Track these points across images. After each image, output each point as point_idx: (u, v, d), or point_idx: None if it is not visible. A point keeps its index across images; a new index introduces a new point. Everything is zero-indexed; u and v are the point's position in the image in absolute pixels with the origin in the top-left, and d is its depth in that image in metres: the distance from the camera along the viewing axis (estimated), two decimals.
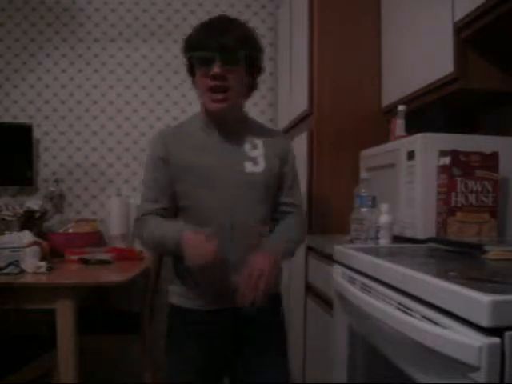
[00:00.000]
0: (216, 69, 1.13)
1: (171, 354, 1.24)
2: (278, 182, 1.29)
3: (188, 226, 1.13)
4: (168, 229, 1.15)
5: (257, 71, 1.25)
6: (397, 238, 1.37)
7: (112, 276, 1.86)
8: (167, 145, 1.22)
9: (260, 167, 1.23)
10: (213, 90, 1.15)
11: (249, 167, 1.22)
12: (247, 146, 1.25)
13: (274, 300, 1.32)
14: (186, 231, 1.10)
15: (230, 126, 1.25)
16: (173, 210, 1.23)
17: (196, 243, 1.06)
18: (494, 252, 0.95)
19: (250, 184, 1.21)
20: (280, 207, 1.32)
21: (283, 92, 2.46)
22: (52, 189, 2.51)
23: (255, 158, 1.24)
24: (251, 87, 1.27)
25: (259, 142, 1.27)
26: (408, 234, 1.37)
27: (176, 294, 1.25)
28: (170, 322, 1.27)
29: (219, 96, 1.16)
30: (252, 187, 1.22)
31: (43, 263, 1.80)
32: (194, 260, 1.06)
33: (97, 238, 2.39)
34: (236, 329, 1.23)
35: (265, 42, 2.66)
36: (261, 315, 1.20)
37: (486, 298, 0.60)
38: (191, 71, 1.24)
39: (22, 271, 1.77)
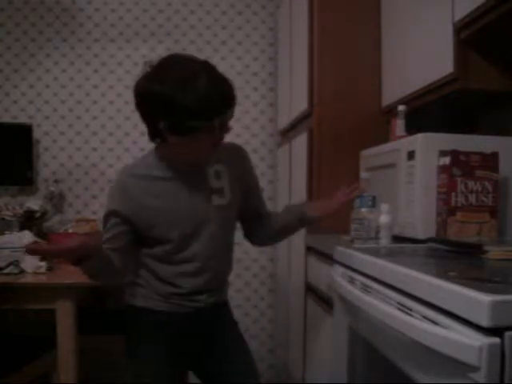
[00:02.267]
0: (222, 137, 1.13)
1: (132, 356, 1.26)
2: (243, 198, 1.31)
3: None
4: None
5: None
6: (397, 238, 1.37)
7: None
8: (127, 203, 1.16)
9: (226, 199, 1.23)
10: (211, 152, 1.16)
11: (215, 200, 1.22)
12: (211, 177, 1.22)
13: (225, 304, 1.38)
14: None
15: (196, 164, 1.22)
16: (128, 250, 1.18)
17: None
18: (494, 252, 0.95)
19: (218, 217, 1.22)
20: (252, 218, 1.37)
21: (283, 92, 2.46)
22: (52, 189, 2.51)
23: (221, 189, 1.23)
24: None
25: (223, 169, 1.24)
26: (408, 234, 1.37)
27: (138, 296, 1.26)
28: (130, 323, 1.28)
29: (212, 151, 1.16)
30: (221, 219, 1.22)
31: (43, 263, 1.80)
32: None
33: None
34: (196, 329, 1.27)
35: (265, 42, 2.67)
36: (217, 316, 1.30)
37: (485, 298, 0.60)
38: (178, 132, 1.07)
39: (22, 271, 1.77)
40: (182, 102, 1.02)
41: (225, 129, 1.12)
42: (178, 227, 1.18)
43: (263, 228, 1.39)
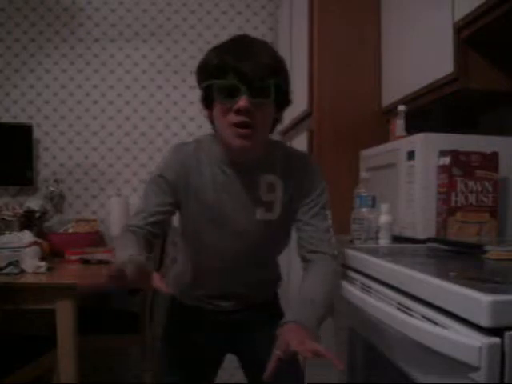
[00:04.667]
0: (242, 102, 0.94)
1: (166, 344, 1.26)
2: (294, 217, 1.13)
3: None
4: (126, 248, 1.00)
5: (286, 104, 1.08)
6: (397, 238, 1.37)
7: None
8: (178, 174, 1.08)
9: (273, 214, 1.10)
10: (237, 125, 0.97)
11: (260, 214, 1.09)
12: (263, 188, 1.09)
13: (269, 304, 1.32)
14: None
15: (249, 164, 1.08)
16: (162, 225, 1.11)
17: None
18: (493, 252, 0.95)
19: (260, 230, 1.09)
20: (304, 249, 1.11)
21: None
22: (52, 189, 2.51)
23: (271, 202, 1.09)
24: (277, 120, 1.10)
25: (278, 181, 1.10)
26: (408, 234, 1.37)
27: (171, 284, 1.26)
28: (169, 311, 1.28)
29: (245, 131, 0.98)
30: (262, 234, 1.10)
31: (43, 263, 1.80)
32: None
33: (97, 238, 2.39)
34: (233, 328, 1.24)
35: None
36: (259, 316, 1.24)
37: (485, 298, 0.60)
38: (207, 102, 1.04)
39: (22, 271, 1.76)
40: (204, 59, 1.01)
41: (247, 107, 0.95)
42: (210, 228, 1.09)
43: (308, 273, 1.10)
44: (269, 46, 1.03)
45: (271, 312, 1.26)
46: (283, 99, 1.05)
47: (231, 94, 0.96)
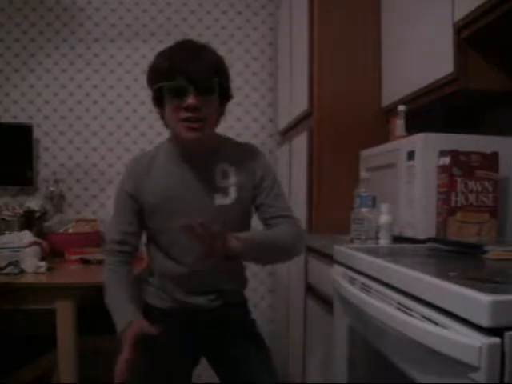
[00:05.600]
0: (190, 100, 1.08)
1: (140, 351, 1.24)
2: (254, 203, 1.26)
3: (137, 315, 1.16)
4: (120, 307, 1.20)
5: (227, 99, 1.22)
6: (397, 238, 1.37)
7: None
8: (136, 182, 1.21)
9: (229, 199, 1.21)
10: (187, 119, 1.11)
11: (218, 199, 1.20)
12: (218, 176, 1.21)
13: (240, 304, 1.37)
14: (128, 328, 1.12)
15: (202, 156, 1.21)
16: (139, 240, 1.28)
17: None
18: (494, 252, 0.95)
19: (220, 217, 1.16)
20: (268, 221, 1.26)
21: (283, 92, 2.46)
22: (52, 189, 2.51)
23: (226, 188, 1.21)
24: (221, 114, 1.24)
25: (231, 168, 1.23)
26: (408, 233, 1.37)
27: (149, 294, 1.30)
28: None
29: (195, 125, 1.11)
30: (222, 220, 1.14)
31: (43, 263, 1.80)
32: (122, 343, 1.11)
33: (97, 238, 2.39)
34: (207, 327, 1.27)
35: (265, 41, 2.67)
36: (231, 316, 1.29)
37: (485, 298, 0.60)
38: (158, 103, 1.17)
39: (22, 271, 1.76)
40: (154, 64, 1.14)
41: (195, 104, 1.08)
42: (174, 218, 1.14)
43: None
44: (209, 48, 1.17)
45: (242, 311, 1.36)
46: (225, 95, 1.19)
47: (180, 93, 1.08)
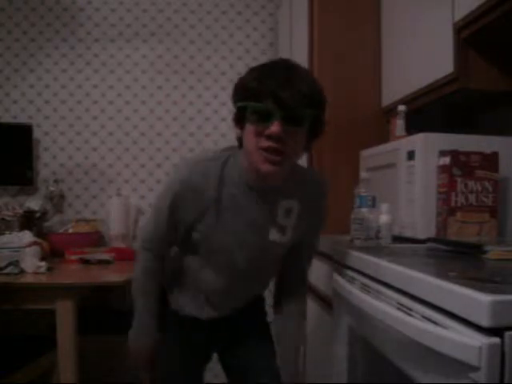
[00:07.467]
0: (274, 127, 0.94)
1: (163, 356, 1.27)
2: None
3: (155, 334, 1.20)
4: (144, 314, 1.20)
5: (317, 135, 1.06)
6: (397, 238, 1.37)
7: (112, 276, 1.86)
8: (196, 192, 1.05)
9: (285, 237, 1.14)
10: (267, 149, 0.96)
11: (273, 234, 1.12)
12: (281, 212, 1.11)
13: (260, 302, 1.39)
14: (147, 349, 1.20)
15: (271, 188, 1.08)
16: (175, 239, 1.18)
17: (137, 351, 1.21)
18: (493, 252, 0.95)
19: (268, 250, 1.14)
20: (294, 252, 1.23)
21: None
22: (52, 189, 2.51)
23: (284, 227, 1.13)
24: (306, 150, 1.09)
25: (295, 207, 1.13)
26: (408, 233, 1.37)
27: (173, 301, 1.27)
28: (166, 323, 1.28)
29: (274, 157, 0.97)
30: (269, 253, 1.15)
31: (43, 263, 1.80)
32: (132, 357, 1.20)
33: (97, 238, 2.39)
34: (226, 329, 1.28)
35: (265, 41, 2.66)
36: (247, 317, 1.29)
37: (485, 298, 0.60)
38: (238, 122, 1.04)
39: (22, 271, 1.77)
40: (243, 79, 1.01)
41: (278, 134, 0.94)
42: (224, 244, 1.10)
43: (284, 275, 1.30)
44: (309, 75, 1.03)
45: (260, 315, 1.37)
46: (317, 129, 1.04)
47: (265, 117, 0.95)
